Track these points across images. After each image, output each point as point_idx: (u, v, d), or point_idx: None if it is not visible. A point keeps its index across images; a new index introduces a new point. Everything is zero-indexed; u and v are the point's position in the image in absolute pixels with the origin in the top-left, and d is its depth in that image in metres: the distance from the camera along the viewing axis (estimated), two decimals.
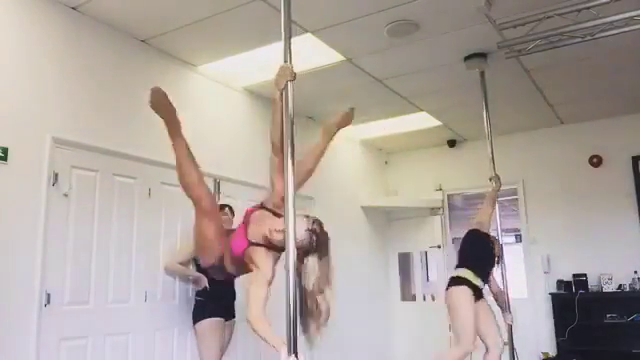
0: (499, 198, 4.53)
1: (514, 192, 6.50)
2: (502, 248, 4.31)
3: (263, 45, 4.02)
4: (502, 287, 4.30)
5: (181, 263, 3.95)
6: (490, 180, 4.36)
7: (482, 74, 4.44)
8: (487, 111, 4.50)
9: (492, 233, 4.37)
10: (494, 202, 4.37)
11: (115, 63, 3.78)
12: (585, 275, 5.76)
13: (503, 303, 4.27)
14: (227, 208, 4.03)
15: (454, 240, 7.16)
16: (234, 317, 3.99)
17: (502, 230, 4.53)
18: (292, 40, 2.28)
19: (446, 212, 6.96)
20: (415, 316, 6.91)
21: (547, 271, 6.08)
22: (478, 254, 4.14)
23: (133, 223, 3.78)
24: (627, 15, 3.45)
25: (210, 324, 3.78)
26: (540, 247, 6.17)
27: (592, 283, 5.74)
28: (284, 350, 1.85)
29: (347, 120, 2.88)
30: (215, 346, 3.76)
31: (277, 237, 2.11)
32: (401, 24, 3.79)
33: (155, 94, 2.27)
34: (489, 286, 4.30)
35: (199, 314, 3.83)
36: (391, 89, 5.04)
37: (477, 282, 4.00)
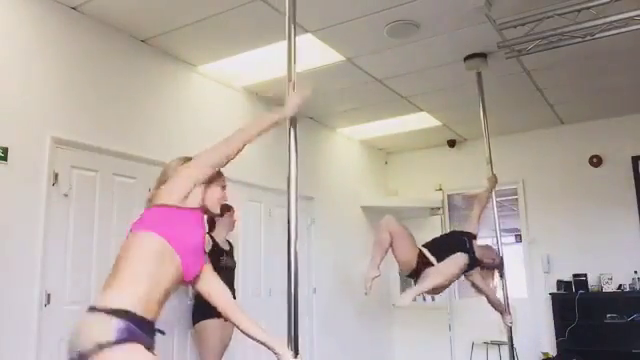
0: (499, 198, 4.52)
1: (514, 192, 6.50)
2: (502, 260, 4.15)
3: (263, 45, 4.03)
4: (500, 291, 4.23)
5: None
6: (488, 180, 4.34)
7: (479, 75, 4.44)
8: (484, 112, 4.49)
9: (484, 234, 4.32)
10: (484, 202, 4.31)
11: (115, 63, 3.78)
12: (585, 275, 5.76)
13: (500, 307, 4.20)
14: (232, 209, 4.04)
15: None
16: None
17: (502, 230, 4.52)
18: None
19: (446, 212, 6.96)
20: (415, 316, 6.91)
21: (547, 271, 6.08)
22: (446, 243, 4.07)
23: None
24: (627, 15, 3.45)
25: (211, 325, 3.77)
26: (540, 247, 6.17)
27: (592, 283, 5.74)
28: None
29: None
30: (216, 347, 3.75)
31: None
32: (401, 24, 3.79)
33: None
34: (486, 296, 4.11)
35: (199, 314, 3.82)
36: (391, 89, 5.04)
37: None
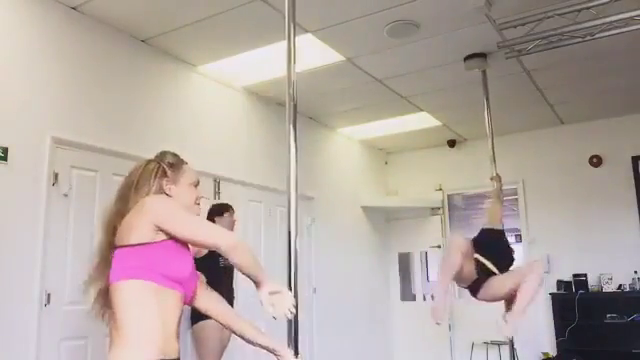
0: None
1: (514, 192, 6.49)
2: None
3: (263, 45, 4.03)
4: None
5: None
6: (491, 180, 4.34)
7: (484, 73, 4.43)
8: (489, 110, 4.48)
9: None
10: (500, 198, 4.28)
11: (115, 63, 3.78)
12: (585, 275, 5.76)
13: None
14: (231, 209, 4.03)
15: None
16: None
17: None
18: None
19: (446, 212, 6.96)
20: (415, 316, 6.91)
21: (547, 271, 6.06)
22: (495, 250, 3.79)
23: None
24: (627, 15, 3.45)
25: (209, 325, 3.75)
26: (540, 247, 6.16)
27: (592, 283, 5.74)
28: None
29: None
30: (215, 348, 3.73)
31: None
32: (401, 24, 3.79)
33: None
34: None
35: (197, 315, 3.80)
36: (391, 89, 5.04)
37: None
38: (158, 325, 1.62)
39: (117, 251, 1.68)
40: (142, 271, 1.63)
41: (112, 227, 1.75)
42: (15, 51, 3.18)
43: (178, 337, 1.71)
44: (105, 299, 1.72)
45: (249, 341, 1.91)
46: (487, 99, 4.48)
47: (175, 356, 1.67)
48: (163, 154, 1.92)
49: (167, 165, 1.87)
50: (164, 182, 1.83)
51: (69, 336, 3.28)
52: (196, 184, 1.93)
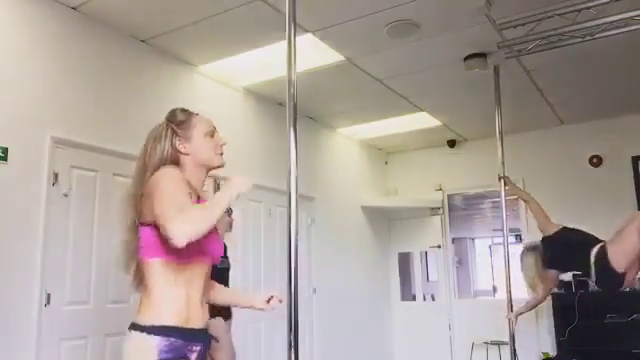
0: (497, 198, 4.53)
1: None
2: None
3: (263, 45, 4.03)
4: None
5: None
6: (499, 180, 4.31)
7: (496, 71, 4.36)
8: (499, 108, 4.40)
9: (495, 233, 4.33)
10: (530, 196, 4.28)
11: (115, 63, 3.78)
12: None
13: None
14: (230, 209, 4.02)
15: (454, 240, 7.16)
16: (231, 317, 3.96)
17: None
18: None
19: (446, 212, 6.96)
20: (415, 316, 6.92)
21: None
22: None
23: None
24: (627, 15, 3.45)
25: (214, 323, 3.74)
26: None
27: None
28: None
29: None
30: (227, 342, 3.71)
31: None
32: (401, 24, 3.79)
33: None
34: None
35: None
36: (391, 89, 5.04)
37: None
38: (183, 299, 1.63)
39: (140, 229, 1.67)
40: (163, 250, 1.60)
41: (132, 210, 1.70)
42: (15, 51, 3.18)
43: (204, 305, 1.72)
44: (138, 274, 1.71)
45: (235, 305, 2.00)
46: (498, 97, 4.39)
47: (200, 326, 1.67)
48: (172, 113, 1.80)
49: (176, 124, 1.76)
50: (177, 142, 1.74)
51: (69, 336, 3.29)
52: (212, 133, 1.82)
